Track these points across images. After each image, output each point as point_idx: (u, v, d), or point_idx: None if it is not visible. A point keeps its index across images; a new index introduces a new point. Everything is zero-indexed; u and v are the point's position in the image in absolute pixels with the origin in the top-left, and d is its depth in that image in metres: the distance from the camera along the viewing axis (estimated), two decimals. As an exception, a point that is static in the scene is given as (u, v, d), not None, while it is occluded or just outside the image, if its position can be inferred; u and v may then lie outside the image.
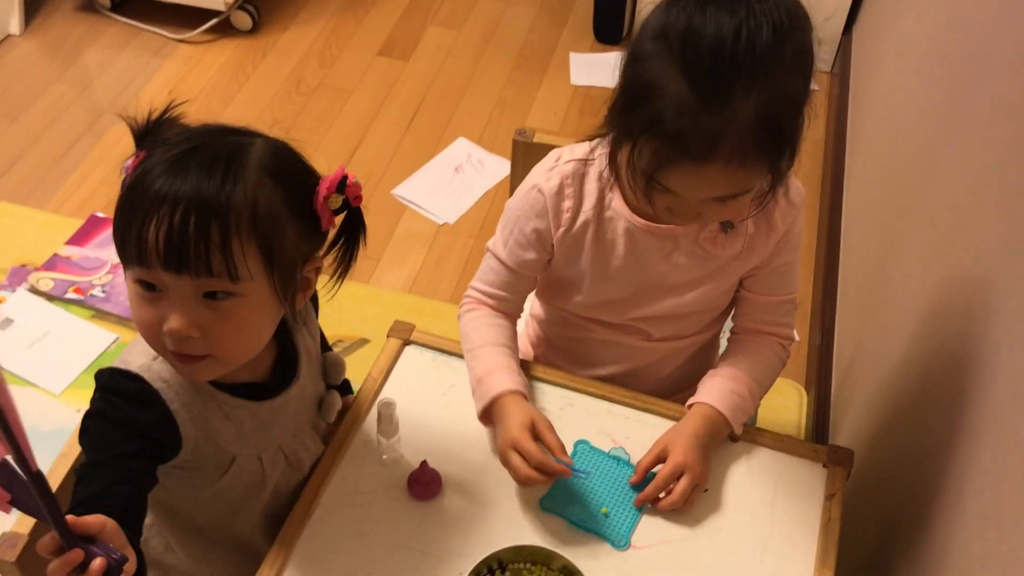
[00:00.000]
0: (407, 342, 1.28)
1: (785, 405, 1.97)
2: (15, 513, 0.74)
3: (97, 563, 0.75)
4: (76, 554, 0.74)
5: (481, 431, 1.17)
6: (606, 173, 1.09)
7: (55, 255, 2.26)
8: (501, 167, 2.53)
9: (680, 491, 1.08)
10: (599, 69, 2.85)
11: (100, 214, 2.35)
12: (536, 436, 1.08)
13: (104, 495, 0.87)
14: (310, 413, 1.11)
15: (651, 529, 1.09)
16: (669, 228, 1.11)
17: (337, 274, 1.01)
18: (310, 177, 0.94)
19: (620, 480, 1.13)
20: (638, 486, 1.11)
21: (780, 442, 1.18)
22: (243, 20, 2.94)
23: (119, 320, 2.12)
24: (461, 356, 1.22)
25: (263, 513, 1.10)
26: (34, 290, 2.18)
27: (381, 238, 2.35)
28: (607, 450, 1.16)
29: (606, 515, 1.10)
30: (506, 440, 1.09)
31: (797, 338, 1.26)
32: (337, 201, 0.94)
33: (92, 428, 0.93)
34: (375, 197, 2.45)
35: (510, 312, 1.24)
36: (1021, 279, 0.96)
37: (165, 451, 0.96)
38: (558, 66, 2.90)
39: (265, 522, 1.11)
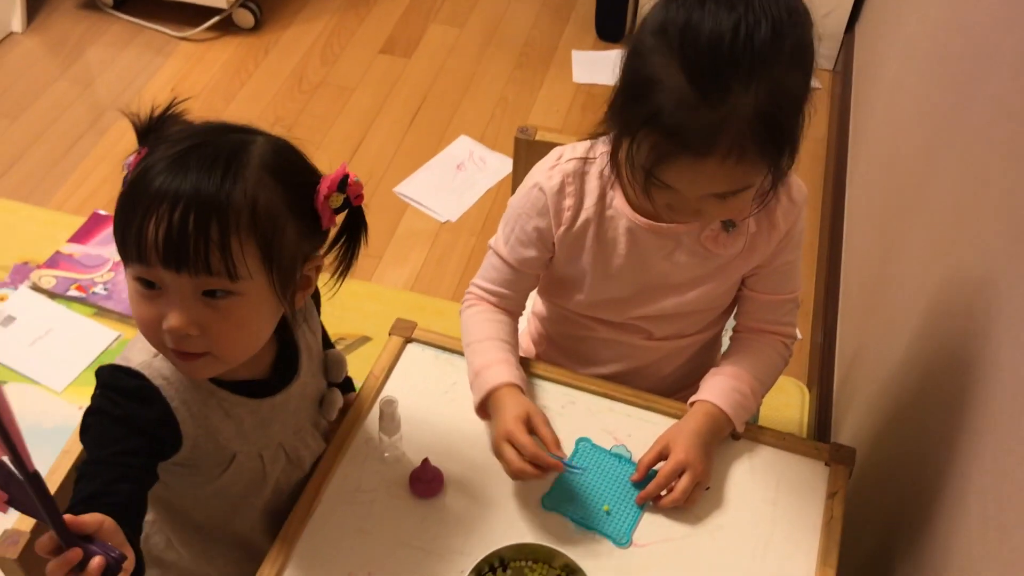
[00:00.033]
0: (409, 340, 1.28)
1: (787, 403, 1.97)
2: (15, 511, 0.74)
3: (96, 562, 0.75)
4: (75, 553, 0.74)
5: (483, 429, 1.17)
6: (607, 171, 1.09)
7: (57, 253, 2.26)
8: (503, 165, 2.53)
9: (682, 489, 1.08)
10: (601, 67, 2.85)
11: (102, 212, 2.36)
12: (531, 430, 1.08)
13: (104, 492, 0.87)
14: (311, 411, 1.11)
15: (653, 527, 1.09)
16: (671, 227, 1.11)
17: (338, 273, 1.01)
18: (311, 176, 0.94)
19: (621, 478, 1.13)
20: (640, 484, 1.11)
21: (782, 440, 1.18)
22: (245, 18, 2.94)
23: (121, 318, 2.12)
24: (463, 354, 1.22)
25: (264, 511, 1.10)
26: (36, 288, 2.18)
27: (383, 236, 2.35)
28: (608, 448, 1.16)
29: (607, 513, 1.10)
30: (500, 432, 1.08)
31: (799, 336, 1.26)
32: (338, 200, 0.93)
33: (92, 425, 0.93)
34: (377, 195, 2.45)
35: (511, 309, 1.24)
36: (1022, 278, 0.96)
37: (165, 448, 0.96)
38: (560, 64, 2.90)
39: (266, 520, 1.11)
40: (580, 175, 1.13)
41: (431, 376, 1.23)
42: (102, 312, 2.14)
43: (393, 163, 2.56)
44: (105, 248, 2.26)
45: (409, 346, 1.27)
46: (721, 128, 0.90)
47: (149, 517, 1.12)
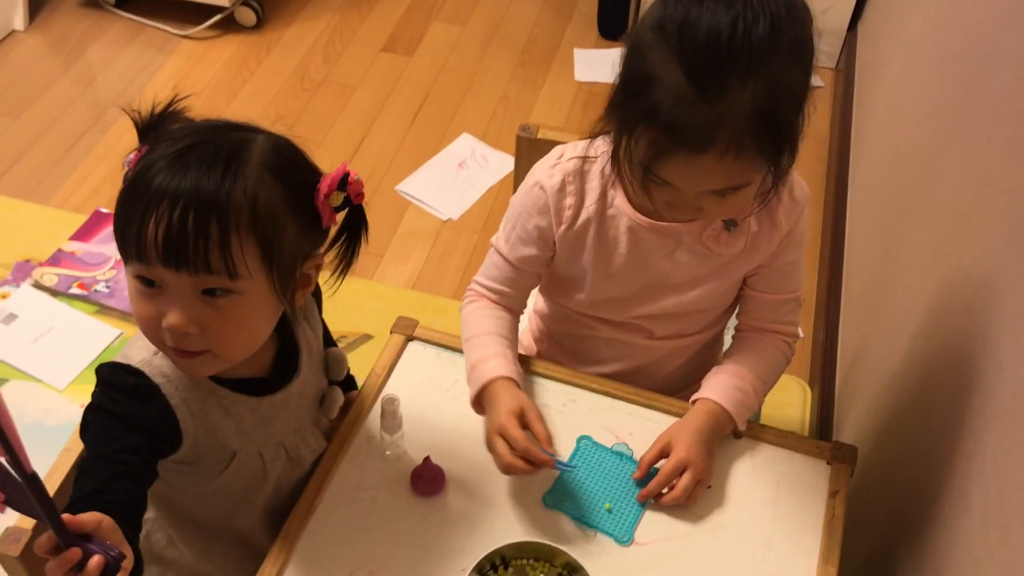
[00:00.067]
0: (410, 338, 1.28)
1: (789, 402, 1.97)
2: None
3: (95, 561, 0.74)
4: (74, 553, 0.74)
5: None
6: (608, 170, 1.09)
7: (59, 251, 2.26)
8: (505, 163, 2.53)
9: (683, 486, 1.08)
10: (603, 65, 2.85)
11: (104, 210, 2.36)
12: (525, 424, 1.07)
13: (103, 490, 0.87)
14: (312, 409, 1.10)
15: (654, 525, 1.09)
16: (672, 226, 1.11)
17: (339, 271, 1.01)
18: (311, 174, 0.94)
19: (623, 476, 1.13)
20: (641, 482, 1.11)
21: (784, 439, 1.18)
22: (247, 16, 2.94)
23: (122, 315, 2.12)
24: (463, 351, 1.22)
25: (264, 509, 1.10)
26: (38, 285, 2.18)
27: (385, 234, 2.35)
28: (610, 446, 1.16)
29: (609, 511, 1.10)
30: (493, 425, 1.08)
31: (801, 335, 1.25)
32: (338, 198, 0.93)
33: (92, 423, 0.93)
34: (379, 193, 2.45)
35: (512, 307, 1.24)
36: (1025, 276, 0.96)
37: (165, 446, 0.96)
38: (562, 62, 2.90)
39: (266, 518, 1.11)
40: (581, 174, 1.13)
41: (433, 374, 1.23)
42: (104, 310, 2.14)
43: (395, 161, 2.56)
44: (107, 246, 2.27)
45: (411, 344, 1.27)
46: (719, 124, 0.90)
47: (150, 515, 1.12)
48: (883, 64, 2.25)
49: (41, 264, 2.23)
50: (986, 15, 1.39)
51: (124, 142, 2.45)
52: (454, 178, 2.51)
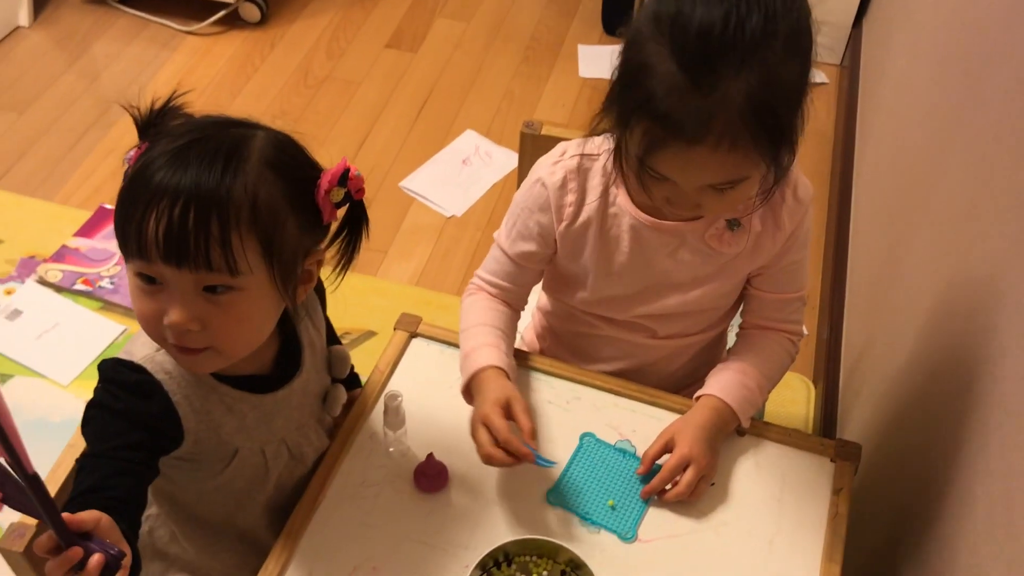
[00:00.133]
0: (414, 334, 1.27)
1: (793, 399, 1.96)
2: (17, 505, 0.74)
3: (95, 560, 0.74)
4: (75, 552, 0.74)
5: (487, 424, 1.17)
6: (610, 167, 1.09)
7: (63, 247, 2.26)
8: (509, 159, 2.52)
9: (686, 482, 1.08)
10: (608, 61, 2.78)
11: (108, 206, 2.36)
12: (510, 415, 1.06)
13: (103, 486, 0.87)
14: (314, 407, 1.10)
15: (658, 522, 1.09)
16: (675, 225, 1.11)
17: (340, 267, 1.00)
18: (312, 170, 0.94)
19: (626, 473, 1.13)
20: (644, 479, 1.11)
21: (787, 436, 1.18)
22: (251, 12, 2.94)
23: (127, 311, 2.13)
24: (464, 346, 1.22)
25: (266, 506, 1.10)
26: (43, 281, 2.18)
27: (388, 230, 2.35)
28: (613, 443, 1.16)
29: (612, 508, 1.10)
30: (477, 414, 1.07)
31: (806, 332, 1.25)
32: (339, 194, 0.93)
33: (94, 419, 0.93)
34: (383, 189, 2.45)
35: (511, 302, 1.24)
36: (1031, 274, 0.96)
37: (166, 443, 0.96)
38: (566, 58, 2.89)
39: (268, 515, 1.11)
40: (583, 172, 1.13)
41: (436, 371, 1.23)
42: (108, 306, 2.15)
43: (399, 158, 2.55)
44: (111, 242, 2.27)
45: (414, 341, 1.27)
46: (712, 114, 0.89)
47: (153, 510, 1.13)
48: (888, 61, 2.24)
49: (46, 260, 2.23)
50: (992, 11, 1.39)
51: (129, 138, 2.44)
52: (458, 174, 2.51)
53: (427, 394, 1.20)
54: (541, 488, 1.11)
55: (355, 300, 2.11)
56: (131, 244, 0.86)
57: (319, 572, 1.03)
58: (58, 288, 2.17)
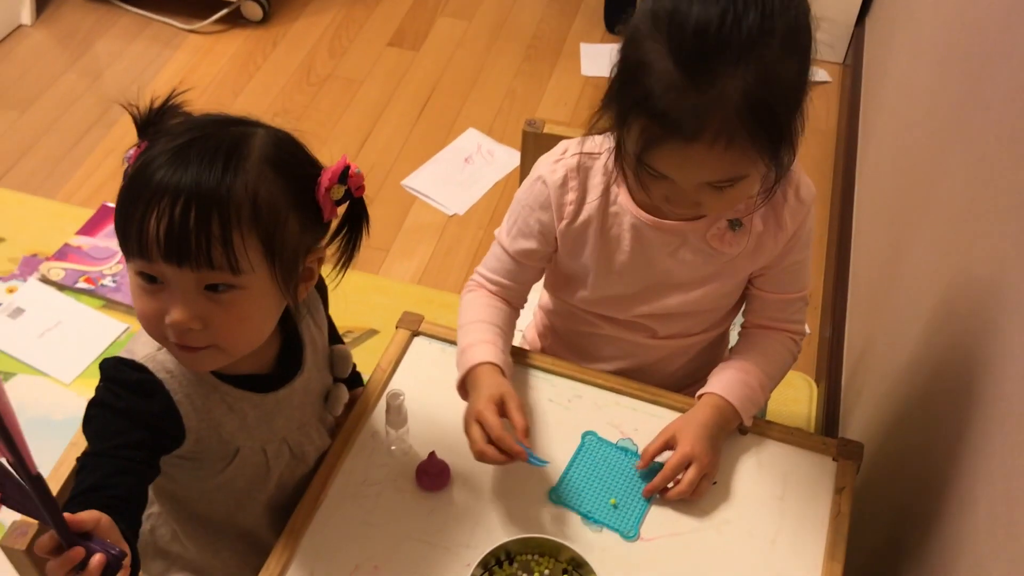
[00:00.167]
0: (416, 333, 1.27)
1: (795, 398, 1.96)
2: (18, 502, 0.74)
3: (96, 560, 0.74)
4: (77, 552, 0.74)
5: (489, 423, 1.17)
6: (611, 166, 1.09)
7: (66, 245, 2.26)
8: (511, 158, 2.52)
9: (688, 481, 1.08)
10: (610, 60, 2.83)
11: (110, 204, 2.36)
12: (504, 412, 1.06)
13: (104, 485, 0.87)
14: (316, 406, 1.10)
15: (660, 521, 1.09)
16: (676, 224, 1.11)
17: (340, 265, 1.00)
18: (312, 168, 0.93)
19: (628, 472, 1.13)
20: (646, 478, 1.11)
21: (790, 435, 1.18)
22: (253, 10, 2.94)
23: (129, 310, 2.13)
24: (465, 344, 1.22)
25: (267, 505, 1.10)
26: (45, 280, 2.19)
27: (390, 229, 2.35)
28: (615, 442, 1.16)
29: (614, 507, 1.10)
30: (471, 411, 1.07)
31: (808, 331, 1.25)
32: (339, 192, 0.93)
33: (95, 417, 0.93)
34: (384, 188, 2.45)
35: (511, 300, 1.23)
36: (1033, 273, 0.96)
37: (167, 442, 0.96)
38: (568, 57, 2.89)
39: (270, 515, 1.11)
40: (584, 170, 1.13)
41: (438, 369, 1.23)
42: (110, 304, 2.15)
43: (401, 156, 2.55)
44: (113, 240, 2.27)
45: (416, 339, 1.27)
46: (709, 111, 0.89)
47: (155, 509, 1.13)
48: (890, 59, 2.24)
49: (48, 258, 2.23)
50: (992, 12, 1.39)
51: (131, 136, 2.44)
52: (460, 173, 2.51)
53: (429, 393, 1.20)
54: (543, 487, 1.11)
55: (357, 299, 2.11)
56: (132, 243, 0.85)
57: (320, 571, 1.03)
58: (60, 286, 2.17)
